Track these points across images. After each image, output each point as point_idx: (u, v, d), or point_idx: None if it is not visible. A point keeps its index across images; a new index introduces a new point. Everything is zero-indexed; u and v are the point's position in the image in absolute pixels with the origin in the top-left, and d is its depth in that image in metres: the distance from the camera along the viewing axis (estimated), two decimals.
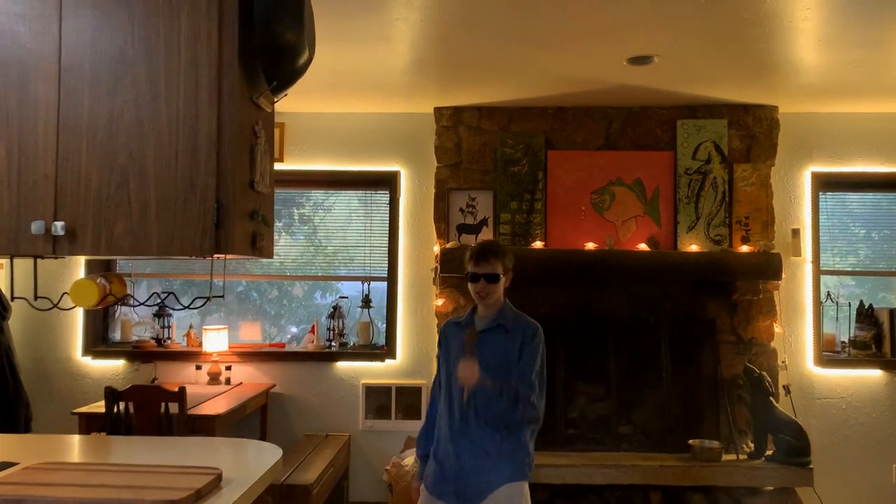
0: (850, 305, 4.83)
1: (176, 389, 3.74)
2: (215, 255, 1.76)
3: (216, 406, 4.12)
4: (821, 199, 4.82)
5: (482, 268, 2.70)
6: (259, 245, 1.87)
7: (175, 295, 3.26)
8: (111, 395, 3.75)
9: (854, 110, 4.73)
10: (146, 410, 3.76)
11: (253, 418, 4.72)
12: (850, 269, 4.92)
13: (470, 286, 2.76)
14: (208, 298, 1.93)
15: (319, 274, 5.22)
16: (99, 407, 3.97)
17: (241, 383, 4.80)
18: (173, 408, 3.75)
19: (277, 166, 4.86)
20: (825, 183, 4.80)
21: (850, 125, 4.77)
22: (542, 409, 2.71)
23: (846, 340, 4.86)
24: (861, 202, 4.94)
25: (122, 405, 3.77)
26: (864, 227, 4.96)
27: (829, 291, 4.84)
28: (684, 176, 4.66)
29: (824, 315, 4.84)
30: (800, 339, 4.76)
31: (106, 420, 3.77)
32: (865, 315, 4.81)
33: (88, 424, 3.98)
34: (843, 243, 4.92)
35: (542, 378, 2.72)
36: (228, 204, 1.71)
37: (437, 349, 2.94)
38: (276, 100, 2.10)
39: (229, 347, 4.86)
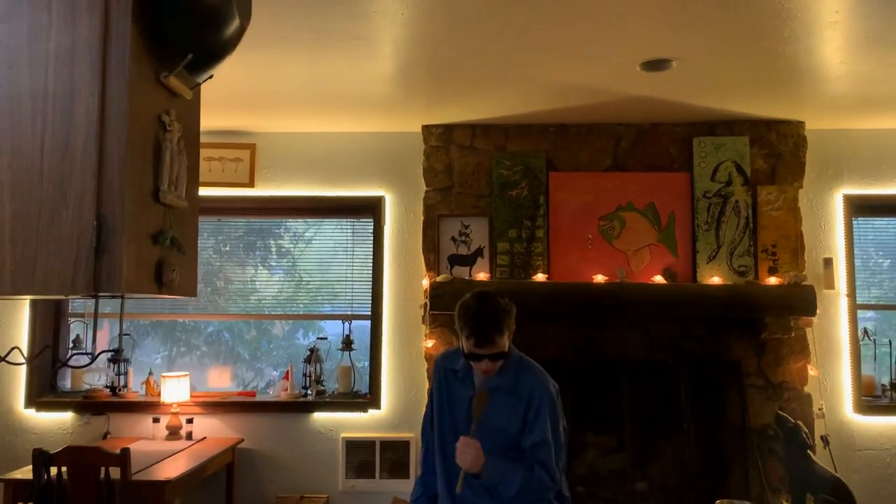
0: (890, 343, 4.29)
1: (119, 451, 3.17)
2: (98, 294, 1.23)
3: (170, 468, 3.54)
4: (854, 224, 4.32)
5: (487, 349, 2.31)
6: (169, 279, 1.34)
7: (133, 338, 2.71)
8: (41, 458, 3.16)
9: (889, 126, 4.26)
10: (83, 476, 3.17)
11: (217, 479, 4.13)
12: (883, 302, 4.40)
13: (472, 363, 2.36)
14: (93, 357, 1.39)
15: (301, 312, 4.68)
16: (30, 472, 3.38)
17: (204, 438, 4.22)
18: (116, 472, 3.18)
19: (248, 192, 4.38)
20: (859, 207, 4.30)
21: (886, 142, 4.30)
22: (560, 478, 2.37)
23: (887, 383, 4.32)
24: (890, 227, 4.44)
25: (54, 470, 3.19)
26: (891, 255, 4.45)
27: (865, 328, 4.31)
28: (702, 199, 4.16)
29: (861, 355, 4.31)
30: (836, 382, 4.22)
31: (34, 488, 3.19)
32: None
33: (16, 493, 3.39)
34: (869, 273, 4.41)
35: (559, 441, 2.38)
36: (116, 220, 1.19)
37: (428, 383, 2.51)
38: (197, 82, 1.59)
39: (191, 397, 4.29)
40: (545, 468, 2.32)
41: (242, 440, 4.26)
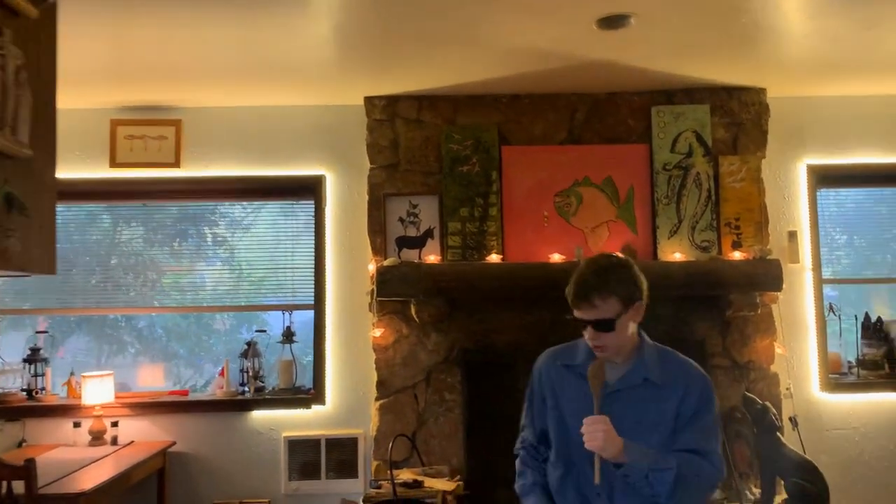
0: (856, 318, 4.14)
1: (23, 462, 2.81)
2: None
3: (88, 478, 3.18)
4: (819, 196, 4.15)
5: (585, 312, 1.97)
6: (2, 246, 1.02)
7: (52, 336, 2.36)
8: None
9: (853, 92, 4.10)
10: None
11: (146, 487, 3.78)
12: (850, 276, 4.25)
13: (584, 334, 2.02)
14: None
15: (243, 304, 4.32)
16: None
17: (131, 442, 3.85)
18: (19, 486, 2.81)
19: (174, 173, 4.00)
20: (823, 177, 4.13)
21: (850, 110, 4.14)
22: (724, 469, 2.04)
23: (853, 360, 4.18)
24: (856, 198, 4.29)
25: None
26: (854, 229, 4.30)
27: (830, 304, 4.15)
28: (662, 172, 3.94)
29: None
30: (802, 360, 4.06)
31: None
32: (874, 329, 4.14)
33: None
34: (833, 247, 4.26)
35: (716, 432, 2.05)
36: None
37: (377, 375, 2.18)
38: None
39: (116, 398, 3.91)
40: (707, 456, 1.96)
41: (174, 443, 3.90)
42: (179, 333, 5.52)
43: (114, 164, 4.06)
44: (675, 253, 3.85)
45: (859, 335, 4.15)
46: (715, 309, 3.88)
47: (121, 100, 3.97)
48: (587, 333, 1.99)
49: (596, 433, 1.85)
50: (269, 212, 4.33)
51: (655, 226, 3.91)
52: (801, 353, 4.05)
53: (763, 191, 3.94)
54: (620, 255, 2.14)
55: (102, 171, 4.08)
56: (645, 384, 2.01)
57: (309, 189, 4.11)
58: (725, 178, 3.94)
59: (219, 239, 4.44)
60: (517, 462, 2.21)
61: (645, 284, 2.05)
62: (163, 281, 4.40)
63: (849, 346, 4.19)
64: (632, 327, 2.02)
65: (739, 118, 3.99)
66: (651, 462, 1.89)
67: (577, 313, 1.98)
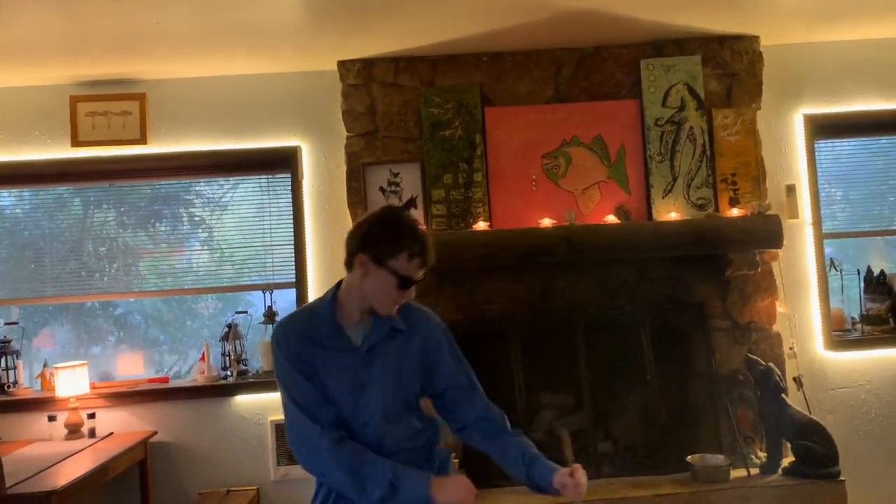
0: (858, 273, 4.00)
1: None
2: None
3: (63, 473, 3.01)
4: (817, 147, 3.98)
5: (422, 272, 1.92)
6: None
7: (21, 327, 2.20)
8: None
9: (850, 37, 3.92)
10: None
11: (127, 479, 3.62)
12: (849, 230, 4.11)
13: (388, 290, 1.88)
14: None
15: (225, 285, 4.13)
16: None
17: (110, 434, 3.68)
18: None
19: (141, 150, 3.79)
20: (820, 128, 3.96)
21: (846, 56, 3.96)
22: None
23: (856, 316, 4.05)
24: (851, 151, 4.13)
25: None
26: (849, 183, 4.14)
27: (831, 259, 4.01)
28: (654, 128, 3.76)
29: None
30: (805, 318, 3.92)
31: None
32: (877, 284, 4.01)
33: None
34: (832, 200, 4.10)
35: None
36: None
37: (284, 365, 1.93)
38: None
39: (92, 388, 3.74)
40: (479, 390, 2.07)
41: (156, 433, 3.74)
42: (161, 319, 5.34)
43: (76, 142, 3.84)
44: (670, 212, 3.69)
45: (862, 290, 4.02)
46: (713, 269, 3.73)
47: (79, 74, 3.74)
48: (409, 293, 1.91)
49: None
50: (246, 188, 4.12)
51: (649, 185, 3.74)
52: (803, 311, 3.91)
53: (759, 143, 3.77)
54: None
55: (65, 151, 3.87)
56: (392, 334, 1.95)
57: (284, 162, 3.91)
58: (720, 131, 3.76)
59: (196, 219, 4.25)
60: (337, 461, 1.87)
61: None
62: (139, 265, 4.21)
63: (851, 303, 4.06)
64: None
65: (732, 68, 3.81)
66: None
67: (417, 273, 1.89)
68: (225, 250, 4.15)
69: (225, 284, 4.12)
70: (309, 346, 1.91)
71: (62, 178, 3.96)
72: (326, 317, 1.93)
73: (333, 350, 1.91)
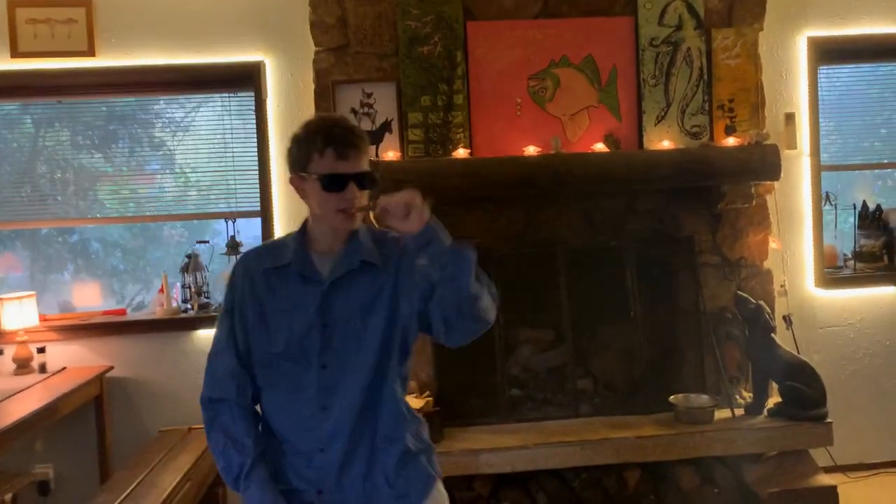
0: (854, 208, 3.83)
1: None
2: None
3: (10, 412, 2.82)
4: (820, 74, 3.74)
5: (350, 164, 1.62)
6: None
7: None
8: None
9: None
10: None
11: (82, 416, 3.43)
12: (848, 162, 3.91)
13: (322, 198, 1.63)
14: None
15: (195, 212, 3.86)
16: None
17: (63, 369, 3.47)
18: None
19: (89, 63, 3.45)
20: (825, 52, 3.71)
21: None
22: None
23: (849, 253, 3.90)
24: (847, 80, 3.90)
25: None
26: (842, 113, 3.93)
27: (826, 193, 3.82)
28: (649, 49, 3.48)
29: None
30: (797, 255, 3.76)
31: None
32: (872, 219, 3.84)
33: None
34: (832, 129, 3.89)
35: None
36: None
37: (228, 306, 1.76)
38: None
39: (42, 321, 3.50)
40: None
41: (111, 368, 3.53)
42: (123, 246, 5.08)
43: (16, 53, 3.48)
44: (663, 141, 3.45)
45: (856, 226, 3.86)
46: (704, 202, 3.53)
47: None
48: (344, 195, 1.62)
49: (400, 202, 1.52)
50: (209, 109, 3.80)
51: (641, 111, 3.49)
52: (795, 247, 3.75)
53: (760, 68, 3.52)
54: None
55: (5, 63, 3.51)
56: (362, 268, 1.70)
57: (246, 79, 3.59)
58: (719, 53, 3.49)
59: (156, 141, 3.94)
60: (212, 424, 1.80)
61: None
62: (96, 190, 3.92)
63: (844, 238, 3.90)
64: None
65: None
66: (453, 243, 1.58)
67: (337, 166, 1.61)
68: (189, 175, 3.87)
69: (189, 212, 3.85)
70: (270, 278, 1.72)
71: (3, 94, 3.61)
72: (293, 246, 1.73)
73: (298, 279, 1.70)
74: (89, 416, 3.45)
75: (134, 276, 4.97)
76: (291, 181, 1.70)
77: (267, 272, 1.73)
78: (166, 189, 3.85)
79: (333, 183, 1.61)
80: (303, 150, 1.65)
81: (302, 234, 1.75)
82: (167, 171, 3.85)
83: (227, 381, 1.76)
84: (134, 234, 5.13)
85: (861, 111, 3.93)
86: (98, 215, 3.93)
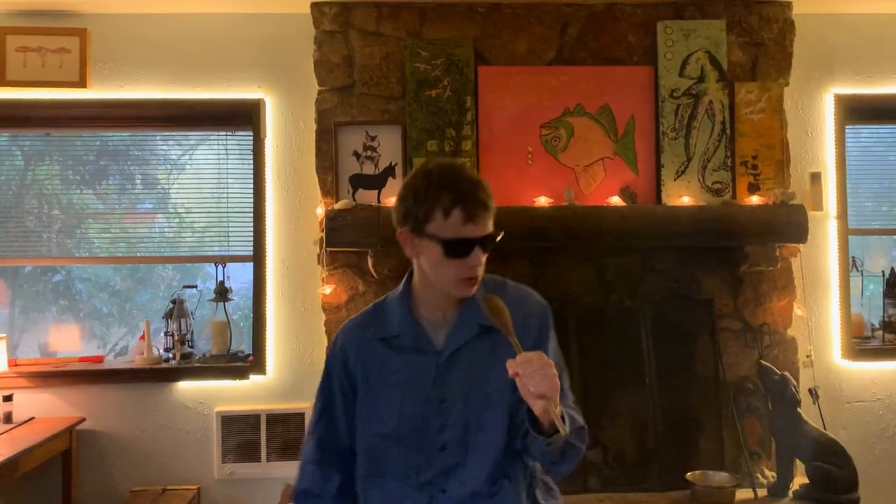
0: (883, 275, 3.61)
1: None
2: None
3: None
4: (847, 133, 3.57)
5: (479, 227, 1.46)
6: None
7: None
8: None
9: (888, 10, 3.50)
10: None
11: (48, 472, 3.16)
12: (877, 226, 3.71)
13: (442, 264, 1.48)
14: None
15: (186, 254, 3.66)
16: None
17: (31, 419, 3.21)
18: None
19: (80, 94, 3.28)
20: (852, 111, 3.54)
21: (884, 30, 3.53)
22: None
23: (877, 323, 3.66)
24: (880, 137, 3.73)
25: None
26: (881, 172, 3.75)
27: (853, 258, 3.61)
28: (669, 100, 3.31)
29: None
30: (822, 323, 3.52)
31: None
32: None
33: None
34: (860, 192, 3.69)
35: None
36: None
37: (327, 340, 1.64)
38: None
39: (10, 366, 3.25)
40: (569, 399, 1.53)
41: (83, 419, 3.26)
42: (111, 289, 4.86)
43: (4, 82, 3.31)
44: (682, 196, 3.26)
45: (883, 293, 3.63)
46: (726, 263, 3.31)
47: (10, 1, 3.22)
48: (470, 261, 1.46)
49: (543, 371, 1.31)
50: (207, 148, 3.62)
51: (660, 164, 3.30)
52: (819, 314, 3.51)
53: (785, 124, 3.35)
54: None
55: None
56: (481, 333, 1.53)
57: (245, 116, 3.41)
58: (742, 108, 3.33)
59: (150, 179, 3.76)
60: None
61: None
62: (84, 228, 3.73)
63: (873, 308, 3.67)
64: None
65: (760, 37, 3.36)
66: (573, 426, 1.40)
67: (470, 230, 1.44)
68: (183, 216, 3.68)
69: (182, 254, 3.65)
70: (377, 351, 1.56)
71: None
72: (399, 313, 1.56)
73: (411, 351, 1.54)
74: (55, 472, 3.18)
75: (120, 320, 4.74)
76: (400, 236, 1.51)
77: (372, 344, 1.56)
78: (158, 229, 3.65)
79: (459, 249, 1.43)
80: (423, 205, 1.45)
81: (406, 297, 1.56)
82: (160, 211, 3.66)
83: (310, 469, 1.61)
84: (123, 275, 4.92)
85: (880, 173, 3.74)
86: (86, 254, 3.72)
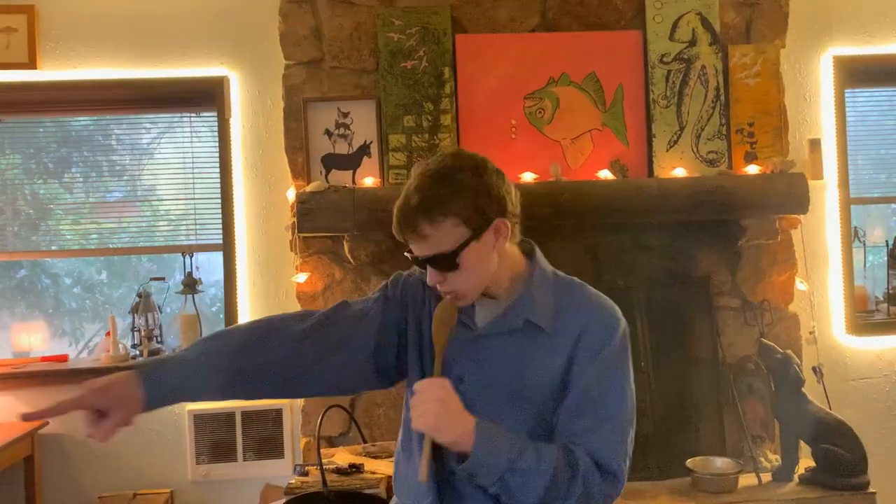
0: (887, 245, 3.45)
1: None
2: None
3: None
4: (847, 97, 3.39)
5: (416, 245, 1.39)
6: None
7: None
8: None
9: None
10: None
11: (9, 480, 2.97)
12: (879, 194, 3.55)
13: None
14: None
15: (154, 245, 3.47)
16: None
17: None
18: None
19: (30, 76, 3.07)
20: (852, 73, 3.36)
21: None
22: (623, 478, 1.39)
23: (881, 295, 3.51)
24: (880, 100, 3.56)
25: None
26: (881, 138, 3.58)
27: (855, 228, 3.44)
28: (659, 66, 3.12)
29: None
30: (824, 297, 3.36)
31: None
32: None
33: None
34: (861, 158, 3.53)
35: (628, 419, 1.42)
36: None
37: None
38: None
39: None
40: (599, 464, 1.35)
41: (46, 423, 3.07)
42: (84, 283, 4.67)
43: None
44: (675, 168, 3.08)
45: (888, 265, 3.47)
46: (723, 238, 3.14)
47: None
48: (428, 275, 1.42)
49: (427, 404, 1.30)
50: (176, 131, 3.40)
51: (651, 135, 3.11)
52: (822, 288, 3.35)
53: (782, 88, 3.16)
54: (472, 154, 1.47)
55: None
56: (527, 329, 1.43)
57: (207, 95, 3.20)
58: (737, 72, 3.14)
59: (117, 168, 3.55)
60: None
61: (508, 192, 1.44)
62: (49, 220, 3.52)
63: (876, 280, 3.51)
64: (496, 257, 1.42)
65: None
66: (513, 458, 1.31)
67: (409, 246, 1.41)
68: (155, 205, 3.48)
69: (156, 244, 3.46)
70: (427, 305, 1.51)
71: None
72: None
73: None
74: (17, 479, 2.99)
75: (94, 314, 4.55)
76: (500, 226, 1.40)
77: (425, 298, 1.52)
78: (128, 221, 3.45)
79: (418, 263, 1.47)
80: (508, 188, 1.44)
81: None
82: (129, 200, 3.46)
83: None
84: (98, 268, 4.72)
85: (875, 142, 3.57)
86: (54, 247, 3.52)
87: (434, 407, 1.29)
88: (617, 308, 1.50)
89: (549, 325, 1.42)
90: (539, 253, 1.55)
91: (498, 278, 1.44)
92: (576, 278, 1.55)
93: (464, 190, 1.35)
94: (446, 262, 1.36)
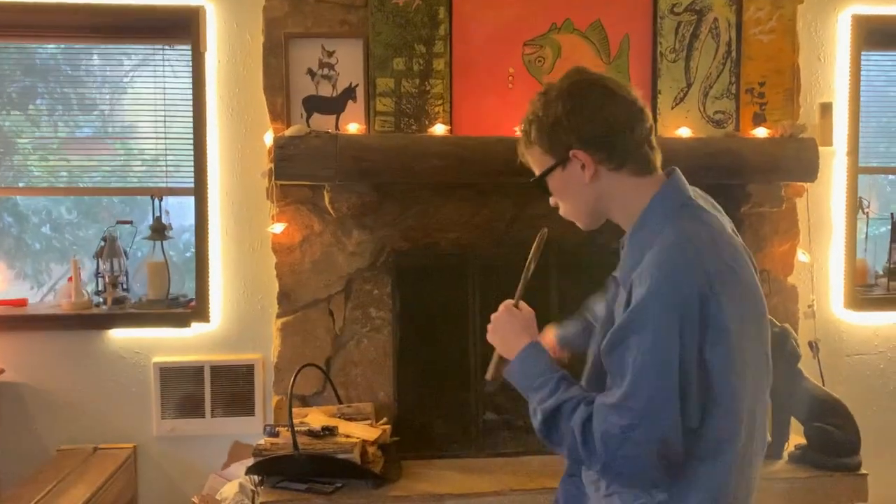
0: (892, 217, 3.32)
1: None
2: None
3: None
4: (863, 60, 3.21)
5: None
6: None
7: None
8: None
9: None
10: None
11: None
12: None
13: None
14: None
15: (137, 185, 3.26)
16: None
17: None
18: None
19: None
20: (871, 34, 3.18)
21: None
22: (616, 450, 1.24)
23: (882, 269, 3.39)
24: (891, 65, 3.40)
25: None
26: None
27: (861, 199, 3.31)
28: (669, 17, 2.92)
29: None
30: (824, 270, 3.24)
31: None
32: None
33: None
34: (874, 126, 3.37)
35: (646, 381, 1.22)
36: None
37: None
38: None
39: None
40: (584, 426, 1.27)
41: (2, 371, 2.90)
42: (53, 222, 4.44)
43: None
44: (680, 127, 2.90)
45: (891, 238, 3.35)
46: (726, 203, 2.88)
47: None
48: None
49: (493, 322, 1.54)
50: (152, 64, 3.17)
51: (656, 90, 2.93)
52: (821, 260, 3.23)
53: (797, 47, 2.98)
54: (571, 75, 1.47)
55: None
56: (612, 282, 1.44)
57: (181, 26, 2.95)
58: (750, 27, 2.94)
59: (87, 103, 3.31)
60: None
61: (596, 117, 1.36)
62: (15, 155, 3.30)
63: (876, 253, 3.39)
64: (593, 190, 1.38)
65: None
66: (534, 386, 1.38)
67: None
68: (129, 143, 3.26)
69: (128, 185, 3.26)
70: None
71: None
72: None
73: None
74: None
75: (63, 255, 4.34)
76: (579, 158, 1.38)
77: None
78: (101, 158, 3.24)
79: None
80: (624, 113, 1.38)
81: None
82: (98, 137, 3.24)
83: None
84: (67, 207, 4.49)
85: (878, 109, 3.42)
86: (20, 184, 3.30)
87: (493, 325, 1.52)
88: (686, 254, 1.26)
89: (623, 276, 1.34)
90: (665, 186, 1.40)
91: (614, 214, 1.43)
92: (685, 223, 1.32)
93: (549, 115, 1.36)
94: (536, 185, 1.43)
